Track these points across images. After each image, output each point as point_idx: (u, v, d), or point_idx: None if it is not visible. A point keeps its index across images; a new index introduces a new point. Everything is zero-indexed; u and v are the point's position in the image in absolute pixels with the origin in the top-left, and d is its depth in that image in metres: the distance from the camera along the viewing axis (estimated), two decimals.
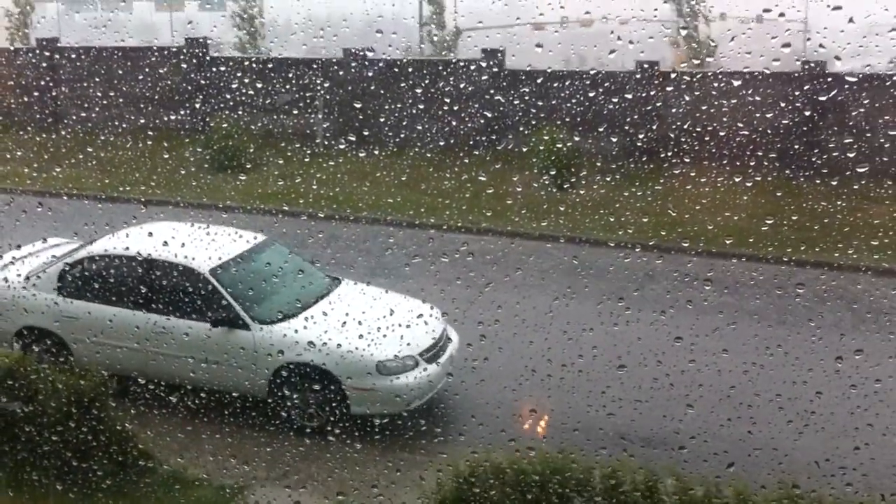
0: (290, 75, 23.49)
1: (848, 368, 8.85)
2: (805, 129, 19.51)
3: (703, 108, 19.58)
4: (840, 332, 10.12)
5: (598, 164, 19.20)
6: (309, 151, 21.73)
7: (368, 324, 9.45)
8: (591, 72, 21.73)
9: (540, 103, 21.49)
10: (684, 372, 9.07)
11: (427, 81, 22.56)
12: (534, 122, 20.85)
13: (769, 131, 19.23)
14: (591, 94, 20.87)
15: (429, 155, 20.64)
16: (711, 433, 8.49)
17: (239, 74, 24.33)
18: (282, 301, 9.83)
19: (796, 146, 19.35)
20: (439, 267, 13.38)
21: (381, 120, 22.33)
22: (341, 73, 22.96)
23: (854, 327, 11.02)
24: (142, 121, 23.44)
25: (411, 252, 14.95)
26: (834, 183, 17.59)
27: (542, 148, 18.82)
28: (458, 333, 10.12)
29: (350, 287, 10.66)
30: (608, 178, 18.42)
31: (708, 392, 8.98)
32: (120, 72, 24.72)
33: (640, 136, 20.14)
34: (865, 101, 19.18)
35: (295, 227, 15.55)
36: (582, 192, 17.93)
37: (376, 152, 20.85)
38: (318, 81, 22.69)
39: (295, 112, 23.26)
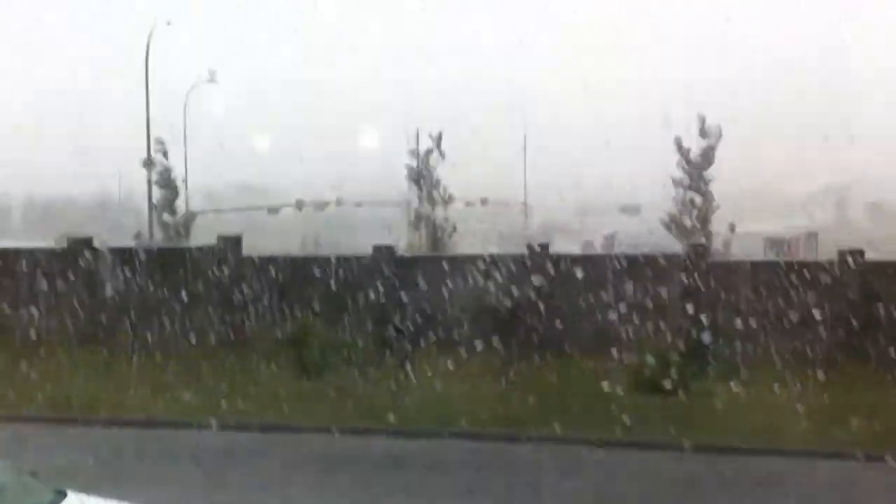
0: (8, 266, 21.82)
1: None
2: (529, 310, 20.26)
3: (442, 291, 20.07)
4: None
5: (341, 352, 18.98)
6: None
7: None
8: (330, 257, 21.75)
9: (279, 289, 21.16)
10: None
11: (160, 270, 21.63)
12: (273, 310, 20.49)
13: (504, 313, 19.89)
14: (330, 280, 20.84)
15: (172, 350, 19.60)
16: None
17: None
18: None
19: (530, 326, 20.14)
20: (186, 471, 12.41)
21: (111, 312, 21.10)
22: (66, 264, 21.57)
23: None
24: None
25: (155, 456, 13.84)
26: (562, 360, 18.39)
27: (286, 336, 18.50)
28: None
29: (77, 500, 9.54)
30: (352, 367, 18.23)
31: None
32: None
33: (379, 324, 20.23)
34: (582, 280, 20.27)
35: (14, 432, 13.96)
36: (328, 380, 17.60)
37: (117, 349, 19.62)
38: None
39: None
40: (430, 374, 17.28)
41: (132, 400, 16.43)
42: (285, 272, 21.40)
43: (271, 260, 21.75)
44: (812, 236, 34.06)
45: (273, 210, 34.97)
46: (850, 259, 19.18)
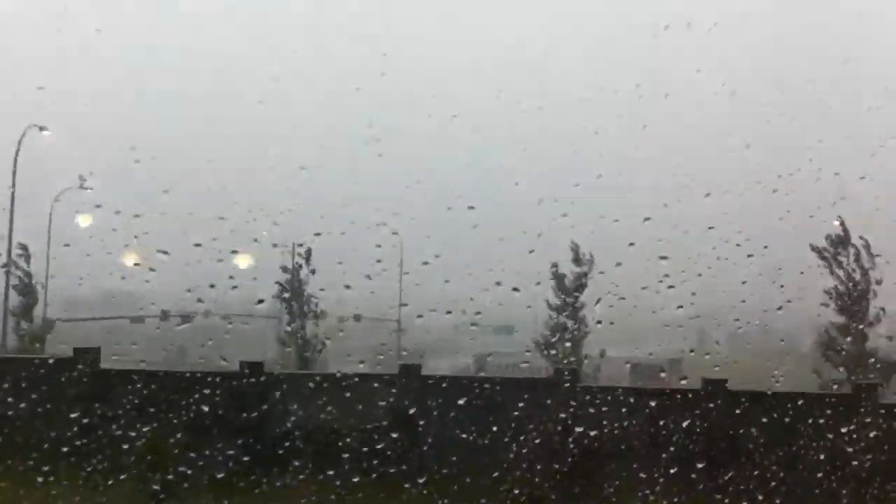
0: None
1: None
2: (397, 432, 19.93)
3: (308, 411, 19.56)
4: None
5: (199, 472, 18.11)
6: None
7: None
8: (194, 372, 20.98)
9: (137, 405, 20.16)
10: None
11: (8, 382, 20.36)
12: (130, 427, 19.47)
13: (371, 436, 19.47)
14: (192, 396, 20.01)
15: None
16: None
17: None
18: None
19: (397, 448, 19.74)
20: None
21: None
22: None
23: None
24: None
25: None
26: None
27: (139, 456, 17.58)
28: None
29: None
30: (211, 488, 17.40)
31: None
32: None
33: (238, 443, 19.47)
34: (453, 402, 20.10)
35: None
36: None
37: None
38: None
39: None
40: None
41: None
42: (145, 387, 20.47)
43: (131, 374, 20.81)
44: (676, 362, 34.84)
45: (137, 320, 33.73)
46: (713, 387, 19.82)
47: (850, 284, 27.72)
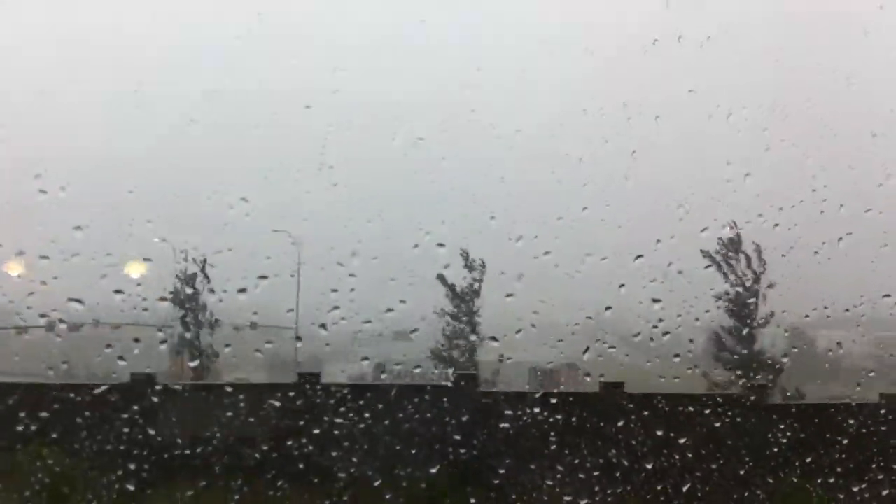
0: None
1: None
2: (297, 437, 19.69)
3: (201, 421, 19.11)
4: None
5: (92, 486, 17.54)
6: None
7: None
8: (82, 384, 20.24)
9: (27, 420, 19.30)
10: None
11: None
12: (11, 445, 18.64)
13: (268, 440, 19.16)
14: (80, 409, 19.30)
15: None
16: None
17: None
18: None
19: (291, 457, 19.46)
20: None
21: None
22: None
23: None
24: None
25: None
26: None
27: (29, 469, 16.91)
28: None
29: None
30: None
31: None
32: None
33: (137, 455, 18.89)
34: (356, 408, 19.98)
35: None
36: None
37: None
38: None
39: None
40: None
41: None
42: (28, 400, 19.64)
43: (11, 387, 19.96)
44: (573, 366, 35.16)
45: (20, 330, 32.26)
46: (610, 390, 20.19)
47: (741, 288, 28.31)
